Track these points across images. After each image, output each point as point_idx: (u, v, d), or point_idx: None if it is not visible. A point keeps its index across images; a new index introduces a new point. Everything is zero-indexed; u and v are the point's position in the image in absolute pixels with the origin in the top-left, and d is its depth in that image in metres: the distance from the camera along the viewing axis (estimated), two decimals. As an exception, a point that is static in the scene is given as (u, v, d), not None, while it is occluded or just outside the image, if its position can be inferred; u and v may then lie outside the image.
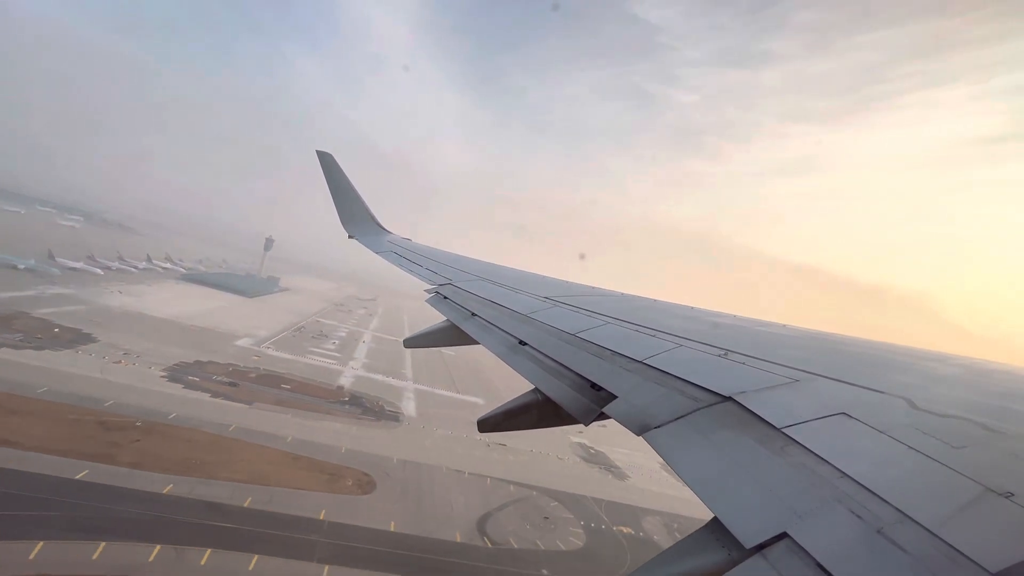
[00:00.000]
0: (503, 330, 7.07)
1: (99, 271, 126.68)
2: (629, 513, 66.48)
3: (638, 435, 3.94)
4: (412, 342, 9.21)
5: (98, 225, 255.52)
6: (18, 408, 48.13)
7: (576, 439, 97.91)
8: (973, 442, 3.13)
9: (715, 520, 2.87)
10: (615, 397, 4.59)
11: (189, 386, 67.30)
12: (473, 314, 8.09)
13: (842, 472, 2.88)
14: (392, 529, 45.85)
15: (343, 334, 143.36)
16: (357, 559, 40.02)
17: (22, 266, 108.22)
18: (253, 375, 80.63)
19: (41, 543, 32.94)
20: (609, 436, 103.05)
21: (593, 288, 9.80)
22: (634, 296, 9.08)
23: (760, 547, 2.54)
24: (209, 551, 36.00)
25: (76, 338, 73.45)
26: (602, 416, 4.57)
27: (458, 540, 47.39)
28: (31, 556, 31.90)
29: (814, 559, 2.34)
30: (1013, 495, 2.50)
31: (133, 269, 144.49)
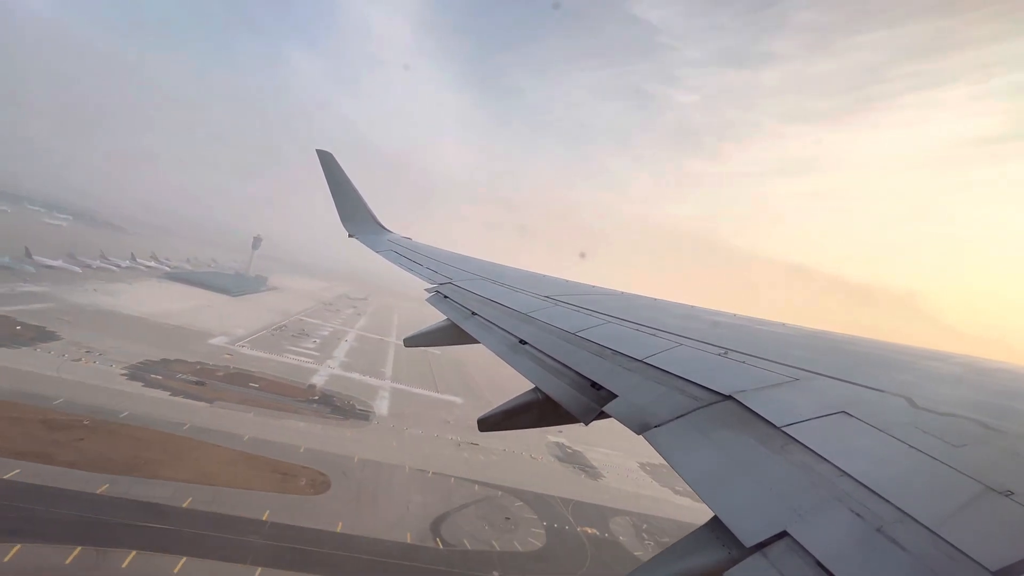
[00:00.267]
0: (503, 329, 7.09)
1: (77, 269, 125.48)
2: (597, 513, 65.35)
3: (638, 434, 3.94)
4: (412, 341, 9.23)
5: (87, 224, 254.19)
6: (-43, 406, 47.03)
7: (554, 439, 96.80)
8: (973, 440, 3.13)
9: (715, 519, 2.87)
10: (615, 396, 4.58)
11: (149, 384, 66.14)
12: (473, 313, 8.15)
13: (842, 471, 2.90)
14: (338, 530, 44.70)
15: (326, 333, 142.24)
16: (294, 561, 38.88)
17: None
18: (221, 373, 79.48)
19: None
20: (589, 436, 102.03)
21: (593, 287, 9.90)
22: (634, 295, 9.15)
23: (760, 546, 2.55)
24: (133, 553, 34.83)
25: (38, 336, 72.27)
26: (602, 415, 4.57)
27: (408, 541, 46.26)
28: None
29: (814, 558, 2.36)
30: (1013, 493, 2.52)
31: (114, 268, 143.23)
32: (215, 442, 54.64)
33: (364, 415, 79.59)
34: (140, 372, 69.35)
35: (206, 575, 35.33)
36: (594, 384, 4.94)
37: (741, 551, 2.59)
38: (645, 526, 66.04)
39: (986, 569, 2.07)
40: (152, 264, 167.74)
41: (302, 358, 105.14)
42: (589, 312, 7.28)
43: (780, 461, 3.12)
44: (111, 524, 36.91)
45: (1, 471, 39.29)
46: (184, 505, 41.76)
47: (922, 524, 2.38)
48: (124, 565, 33.78)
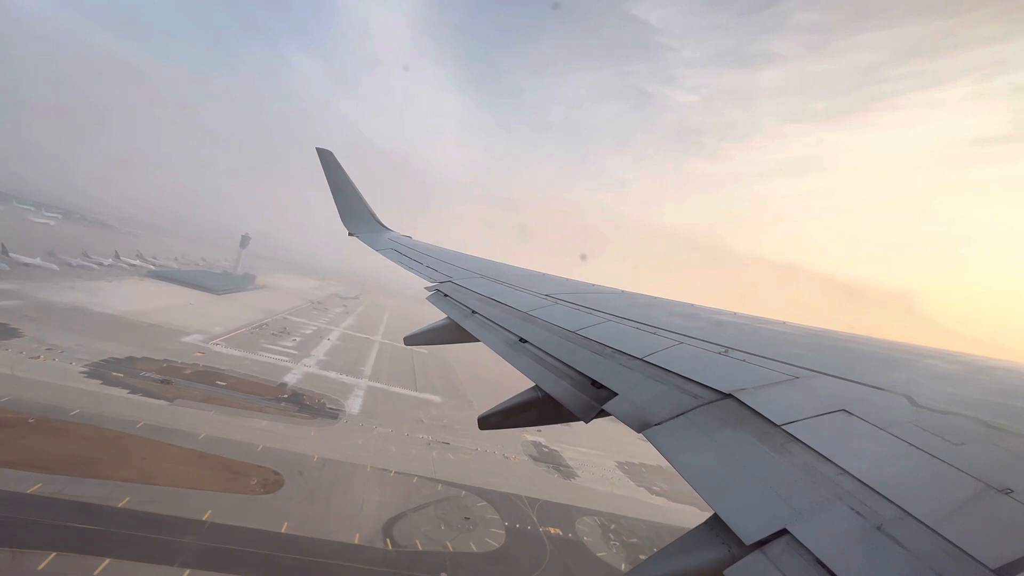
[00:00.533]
0: (503, 328, 7.09)
1: (55, 267, 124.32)
2: (564, 513, 64.18)
3: (638, 432, 3.93)
4: (413, 339, 9.24)
5: (77, 223, 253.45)
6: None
7: (532, 438, 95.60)
8: (973, 439, 3.13)
9: (715, 517, 2.89)
10: (615, 394, 4.57)
11: (109, 382, 64.99)
12: (473, 311, 8.14)
13: (842, 469, 2.91)
14: (282, 531, 43.55)
15: (309, 332, 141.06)
16: (226, 562, 37.70)
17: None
18: (188, 371, 78.33)
19: None
20: (569, 435, 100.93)
21: (593, 285, 9.89)
22: (634, 293, 9.12)
23: (760, 544, 2.56)
24: (53, 555, 33.65)
25: (-3, 333, 71.19)
26: (602, 413, 4.57)
27: (355, 542, 45.10)
28: None
29: (814, 556, 2.36)
30: (1013, 491, 2.52)
31: (95, 266, 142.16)
32: (168, 441, 53.51)
33: (333, 414, 78.44)
34: (101, 370, 68.21)
35: (127, 577, 34.18)
36: (594, 382, 4.94)
37: (741, 549, 2.61)
38: (613, 527, 64.85)
39: (986, 567, 2.08)
40: (136, 262, 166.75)
41: (279, 356, 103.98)
42: (589, 311, 7.28)
43: (780, 459, 3.15)
44: (35, 524, 35.75)
45: (-73, 470, 38.25)
46: (119, 505, 40.61)
47: (922, 522, 2.40)
48: (41, 567, 32.59)
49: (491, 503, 61.13)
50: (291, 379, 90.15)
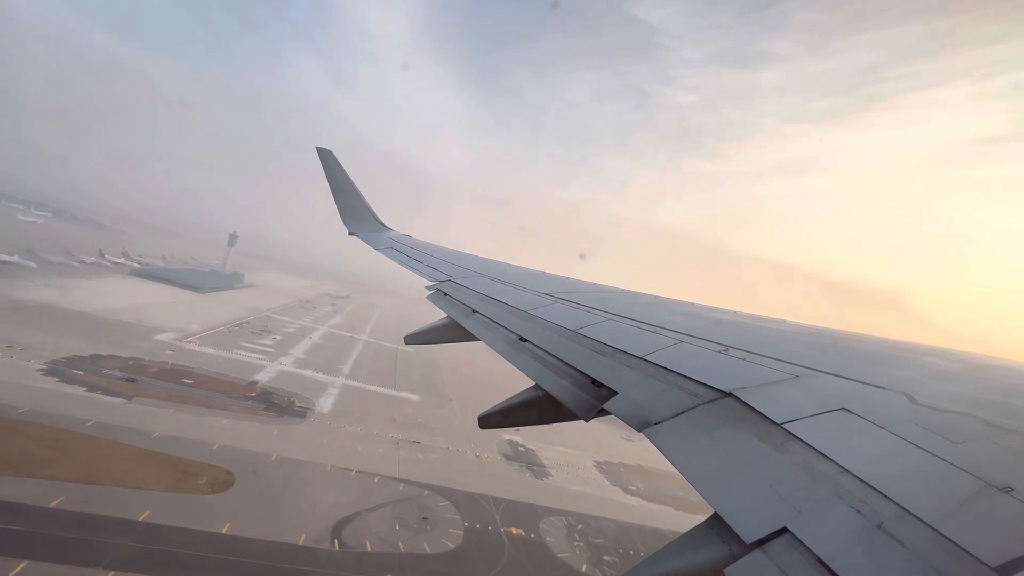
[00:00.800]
0: (504, 327, 7.09)
1: (33, 265, 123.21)
2: (530, 514, 63.00)
3: (639, 431, 3.93)
4: (413, 339, 9.26)
5: (67, 221, 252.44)
6: None
7: (509, 436, 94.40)
8: (973, 437, 3.12)
9: (715, 515, 2.88)
10: (616, 393, 4.59)
11: (66, 380, 63.85)
12: (474, 311, 8.11)
13: (842, 467, 2.91)
14: (223, 531, 42.39)
15: (291, 330, 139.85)
16: (154, 564, 36.53)
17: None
18: (155, 369, 77.21)
19: None
20: (548, 434, 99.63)
21: (593, 284, 9.83)
22: (634, 292, 9.11)
23: (760, 542, 2.56)
24: (-35, 557, 32.59)
25: (-43, 330, 70.11)
26: (603, 412, 4.60)
27: (300, 543, 43.93)
28: None
29: (815, 554, 2.36)
30: (1013, 490, 2.53)
31: (76, 264, 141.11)
32: (117, 439, 52.35)
33: (301, 412, 77.26)
34: (61, 368, 67.07)
35: (45, 580, 33.02)
36: (595, 381, 4.93)
37: (741, 548, 2.60)
38: (580, 527, 63.66)
39: (986, 565, 2.08)
40: (121, 261, 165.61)
41: (254, 355, 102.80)
42: (589, 309, 7.26)
43: (780, 458, 3.14)
44: (-46, 525, 34.68)
45: None
46: (51, 505, 39.44)
47: (923, 520, 2.39)
48: (-50, 569, 31.54)
49: (454, 503, 59.97)
50: (263, 377, 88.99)
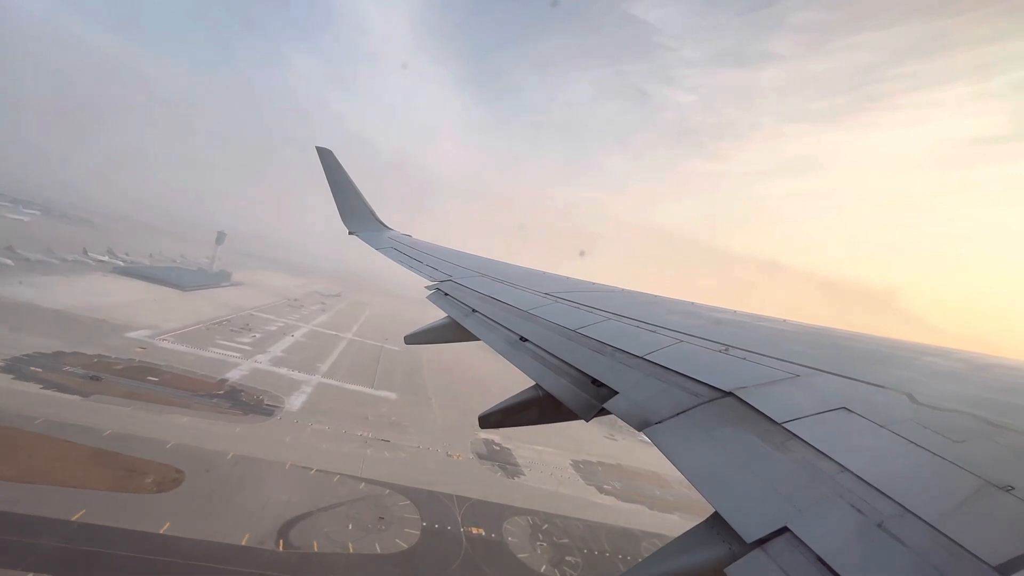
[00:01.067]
0: (504, 326, 7.09)
1: (9, 262, 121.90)
2: (495, 513, 61.90)
3: (639, 431, 3.97)
4: (413, 338, 9.19)
5: (56, 220, 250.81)
6: None
7: (485, 435, 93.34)
8: (974, 436, 3.12)
9: (716, 515, 2.90)
10: (616, 393, 4.60)
11: (23, 377, 62.69)
12: (474, 310, 8.12)
13: (843, 467, 2.92)
14: (161, 531, 41.27)
15: (273, 328, 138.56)
16: (79, 565, 35.41)
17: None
18: (120, 367, 76.03)
19: None
20: (527, 433, 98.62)
21: (593, 284, 9.83)
22: (634, 292, 9.10)
23: (761, 542, 2.57)
24: None
25: (-85, 327, 68.93)
26: (603, 412, 4.59)
27: (243, 544, 42.79)
28: None
29: (815, 553, 2.38)
30: (1013, 489, 2.54)
31: (56, 261, 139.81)
32: (66, 437, 51.20)
33: (269, 411, 76.09)
34: (19, 365, 65.88)
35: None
36: (595, 381, 4.94)
37: (742, 547, 2.61)
38: (546, 527, 62.57)
39: (987, 564, 2.09)
40: (104, 258, 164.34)
41: (230, 352, 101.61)
42: (589, 309, 7.25)
43: (781, 457, 3.14)
44: None
45: None
46: (-22, 505, 38.37)
47: (923, 519, 2.40)
48: None
49: (415, 502, 58.87)
50: (235, 375, 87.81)
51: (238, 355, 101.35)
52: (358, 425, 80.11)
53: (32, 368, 65.99)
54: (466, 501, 63.00)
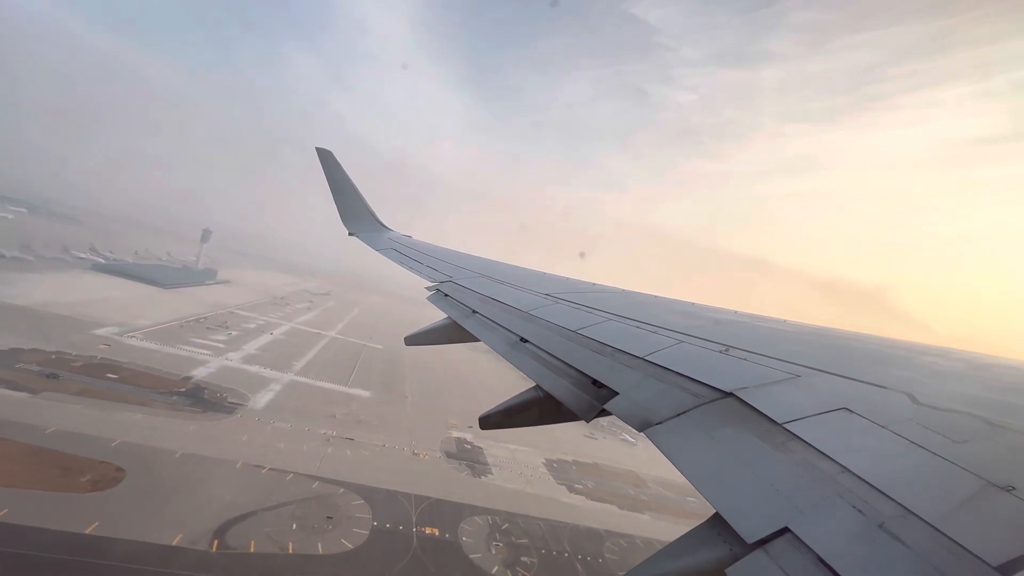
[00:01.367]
0: (504, 327, 7.14)
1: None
2: (453, 513, 60.56)
3: (639, 431, 3.95)
4: (413, 340, 9.21)
5: (43, 217, 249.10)
6: None
7: (458, 434, 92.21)
8: (975, 436, 3.13)
9: (716, 515, 2.90)
10: (616, 394, 4.60)
11: (-30, 374, 61.31)
12: (474, 311, 8.16)
13: (843, 467, 2.93)
14: (86, 532, 39.86)
15: (252, 326, 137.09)
16: (-13, 567, 34.10)
17: None
18: (79, 364, 74.56)
19: None
20: (503, 432, 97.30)
21: (594, 285, 9.79)
22: (635, 292, 9.15)
23: (762, 542, 2.57)
24: None
25: None
26: (603, 413, 4.60)
27: (173, 544, 41.40)
28: None
29: (816, 554, 2.38)
30: (1015, 489, 2.54)
31: (32, 259, 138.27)
32: (3, 435, 49.80)
33: (230, 408, 74.62)
34: (-31, 361, 64.52)
35: None
36: (595, 382, 4.93)
37: (743, 547, 2.61)
38: (506, 526, 61.24)
39: (988, 564, 2.09)
40: (85, 256, 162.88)
41: (201, 350, 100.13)
42: (590, 310, 7.32)
43: (781, 458, 3.13)
44: None
45: None
46: None
47: (924, 520, 2.40)
48: None
49: (369, 502, 57.50)
50: (201, 373, 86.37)
51: (209, 352, 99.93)
52: (323, 423, 78.71)
53: (-18, 365, 64.58)
54: (425, 500, 61.66)
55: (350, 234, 16.53)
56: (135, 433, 57.75)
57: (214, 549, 42.22)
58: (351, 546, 48.23)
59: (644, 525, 73.23)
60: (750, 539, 2.57)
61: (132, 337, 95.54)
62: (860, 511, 2.54)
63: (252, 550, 43.57)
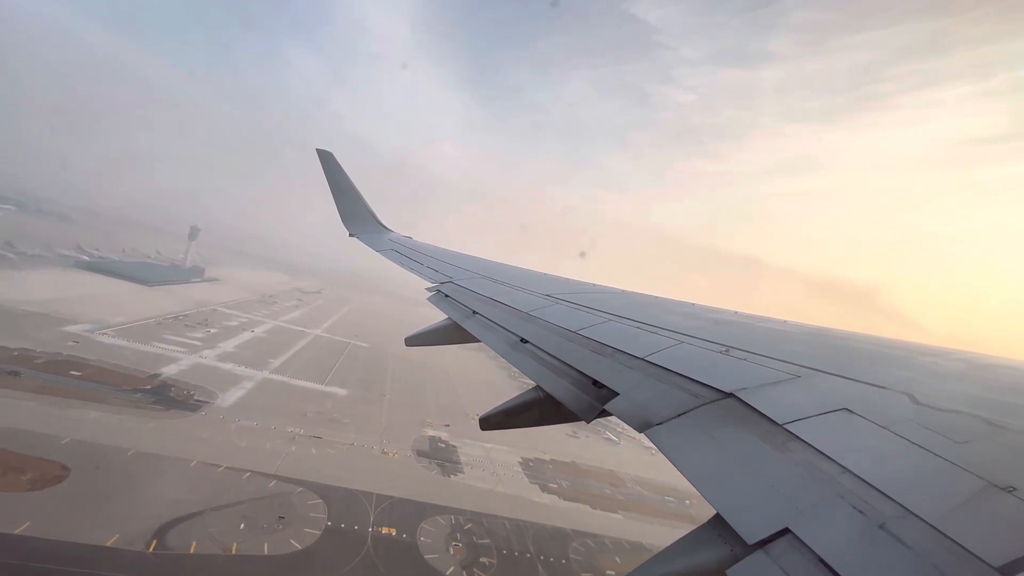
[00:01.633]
0: (504, 328, 7.16)
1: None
2: (415, 512, 59.39)
3: (640, 432, 3.96)
4: (413, 340, 9.27)
5: (32, 215, 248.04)
6: None
7: (433, 432, 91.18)
8: (975, 437, 3.12)
9: (717, 516, 2.90)
10: (616, 394, 4.62)
11: (-77, 370, 60.18)
12: (474, 312, 8.20)
13: (844, 468, 2.93)
14: (16, 532, 38.68)
15: (233, 324, 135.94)
16: None
17: None
18: (42, 360, 73.39)
19: None
20: (479, 431, 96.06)
21: (594, 285, 9.96)
22: (635, 293, 9.23)
23: (762, 543, 2.58)
24: None
25: None
26: (604, 413, 4.62)
27: (107, 544, 40.25)
28: None
29: (816, 554, 2.38)
30: (1015, 489, 2.54)
31: (13, 256, 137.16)
32: (-54, 432, 48.73)
33: (195, 406, 73.45)
34: (-75, 358, 63.40)
35: None
36: (595, 382, 4.95)
37: (743, 548, 2.61)
38: (469, 526, 60.06)
39: (989, 565, 2.09)
40: (69, 253, 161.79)
41: (175, 347, 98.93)
42: (590, 310, 7.35)
43: (782, 458, 3.15)
44: None
45: None
46: None
47: (925, 521, 2.40)
48: None
49: (327, 501, 56.34)
50: (171, 370, 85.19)
51: (183, 350, 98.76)
52: (292, 421, 77.55)
53: (-62, 361, 63.47)
54: (387, 500, 60.51)
55: (351, 235, 16.57)
56: (88, 431, 56.60)
57: (150, 550, 41.07)
58: (300, 546, 47.08)
59: (615, 525, 72.10)
60: (751, 540, 2.57)
61: (104, 334, 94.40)
62: (861, 512, 2.54)
63: (192, 551, 42.41)
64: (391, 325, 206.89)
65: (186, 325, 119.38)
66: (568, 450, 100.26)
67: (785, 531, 2.56)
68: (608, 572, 58.76)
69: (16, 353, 73.15)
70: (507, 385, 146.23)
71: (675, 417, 3.87)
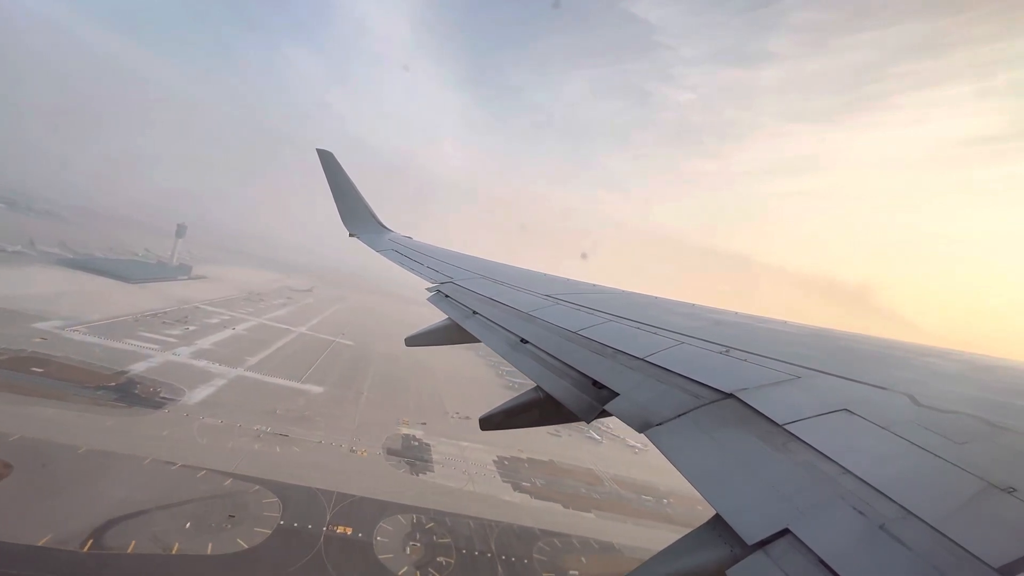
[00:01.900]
0: (504, 328, 7.15)
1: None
2: (375, 511, 58.29)
3: (640, 432, 3.94)
4: (413, 340, 9.27)
5: (20, 212, 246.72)
6: None
7: (408, 430, 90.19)
8: (975, 438, 3.12)
9: (717, 517, 2.90)
10: (617, 395, 4.61)
11: None
12: (474, 312, 8.18)
13: (844, 468, 2.93)
14: (-57, 531, 37.67)
15: (214, 321, 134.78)
16: None
17: None
18: (5, 357, 72.29)
19: None
20: (457, 429, 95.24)
21: (594, 286, 9.96)
22: (635, 293, 9.24)
23: (762, 543, 2.57)
24: None
25: None
26: (604, 414, 4.61)
27: (39, 544, 39.14)
28: None
29: (816, 555, 2.38)
30: (1015, 490, 2.54)
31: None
32: None
33: (160, 404, 72.32)
34: None
35: None
36: (596, 383, 4.96)
37: (743, 549, 2.61)
38: (431, 525, 58.98)
39: (989, 566, 2.09)
40: (52, 250, 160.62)
41: (148, 344, 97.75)
42: (590, 311, 7.34)
43: (782, 459, 3.14)
44: None
45: None
46: None
47: (925, 521, 2.40)
48: None
49: (283, 500, 55.24)
50: (140, 367, 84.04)
51: (156, 347, 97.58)
52: (259, 419, 76.41)
53: None
54: (347, 499, 59.41)
55: (351, 235, 16.57)
56: (40, 428, 55.46)
57: (85, 550, 39.96)
58: (246, 546, 45.99)
59: (585, 524, 71.00)
60: (751, 540, 2.56)
61: (75, 331, 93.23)
62: (861, 512, 2.53)
63: (130, 551, 41.29)
64: (382, 324, 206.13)
65: (164, 322, 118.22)
66: (547, 448, 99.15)
67: (785, 532, 2.54)
68: (571, 572, 57.68)
69: (-22, 350, 72.04)
70: (495, 384, 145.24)
71: (675, 417, 3.87)
